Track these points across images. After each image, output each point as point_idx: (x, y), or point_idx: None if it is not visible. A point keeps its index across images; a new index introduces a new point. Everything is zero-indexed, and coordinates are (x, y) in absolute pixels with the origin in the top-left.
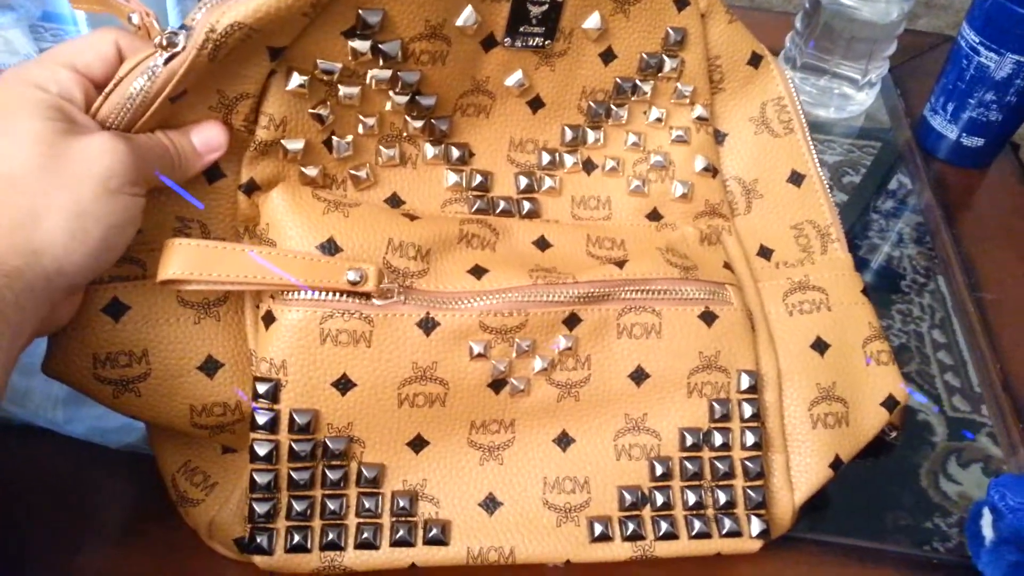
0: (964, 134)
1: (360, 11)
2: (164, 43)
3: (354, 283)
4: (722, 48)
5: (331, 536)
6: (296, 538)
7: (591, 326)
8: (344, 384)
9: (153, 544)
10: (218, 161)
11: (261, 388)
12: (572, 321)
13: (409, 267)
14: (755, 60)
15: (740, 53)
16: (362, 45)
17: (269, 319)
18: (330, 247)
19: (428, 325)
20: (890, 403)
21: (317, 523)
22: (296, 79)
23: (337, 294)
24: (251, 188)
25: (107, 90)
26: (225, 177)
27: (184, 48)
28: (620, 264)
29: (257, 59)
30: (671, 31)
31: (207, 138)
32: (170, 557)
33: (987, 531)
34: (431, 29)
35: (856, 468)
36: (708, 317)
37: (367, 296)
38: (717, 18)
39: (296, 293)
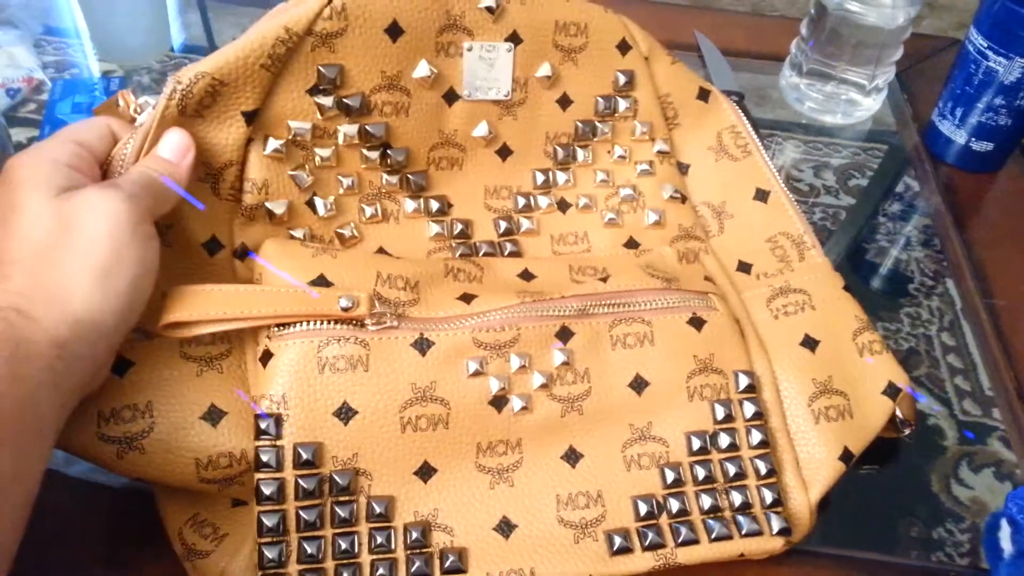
0: (973, 139)
1: (319, 67)
2: (139, 109)
3: (346, 309)
4: (671, 86)
5: None
6: None
7: (584, 339)
8: (346, 412)
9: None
10: (214, 233)
11: (263, 424)
12: (564, 334)
13: (400, 297)
14: (704, 95)
15: (688, 89)
16: (327, 100)
17: (267, 357)
18: (321, 283)
19: (423, 345)
20: (891, 391)
21: (330, 564)
22: (272, 144)
23: (331, 323)
24: (244, 253)
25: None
26: (224, 248)
27: (155, 106)
28: (604, 279)
29: (233, 125)
30: (620, 74)
31: (171, 145)
32: None
33: (1005, 544)
34: (388, 80)
35: (868, 475)
36: (696, 323)
37: (361, 323)
38: (660, 60)
39: (291, 327)
